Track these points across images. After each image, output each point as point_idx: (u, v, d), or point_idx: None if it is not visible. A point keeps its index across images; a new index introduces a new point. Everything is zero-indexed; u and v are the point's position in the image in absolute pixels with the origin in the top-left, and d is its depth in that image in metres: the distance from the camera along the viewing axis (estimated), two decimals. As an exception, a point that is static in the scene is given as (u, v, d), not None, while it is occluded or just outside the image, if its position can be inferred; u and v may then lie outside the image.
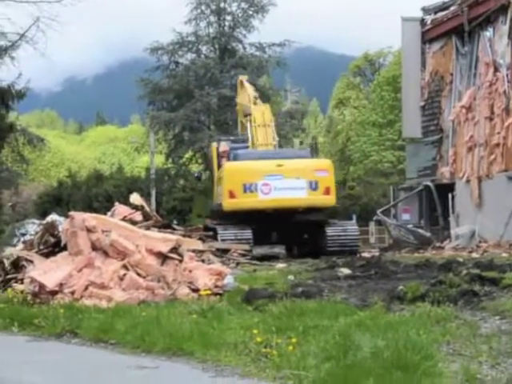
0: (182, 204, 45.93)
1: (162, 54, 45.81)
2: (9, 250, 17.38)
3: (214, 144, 23.12)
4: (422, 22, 28.44)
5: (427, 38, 28.21)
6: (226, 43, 46.23)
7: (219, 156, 22.68)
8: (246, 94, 25.45)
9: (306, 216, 21.08)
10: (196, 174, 33.84)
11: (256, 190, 19.76)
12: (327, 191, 20.44)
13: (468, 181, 24.88)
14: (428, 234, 24.78)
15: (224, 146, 22.21)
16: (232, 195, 19.80)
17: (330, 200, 20.81)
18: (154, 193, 44.35)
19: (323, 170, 20.69)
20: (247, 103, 24.65)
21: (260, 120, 23.16)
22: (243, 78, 27.33)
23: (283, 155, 21.83)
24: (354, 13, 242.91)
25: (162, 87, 45.12)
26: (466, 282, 10.02)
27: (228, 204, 19.84)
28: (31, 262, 13.85)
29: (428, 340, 6.66)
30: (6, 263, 15.24)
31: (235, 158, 20.95)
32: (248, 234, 19.95)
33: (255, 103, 24.25)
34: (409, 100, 28.87)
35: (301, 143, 48.46)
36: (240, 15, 46.51)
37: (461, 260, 14.55)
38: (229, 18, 46.59)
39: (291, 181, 19.89)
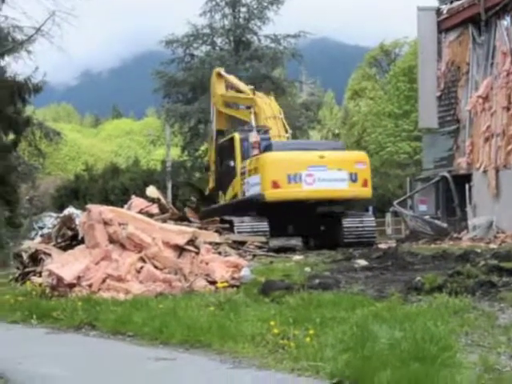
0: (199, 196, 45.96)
1: (176, 46, 45.77)
2: (27, 244, 17.52)
3: (236, 134, 22.36)
4: (438, 11, 28.20)
5: (443, 28, 27.98)
6: (240, 35, 46.11)
7: (242, 146, 21.99)
8: (223, 86, 25.64)
9: (327, 207, 21.18)
10: (206, 164, 33.19)
11: (300, 181, 19.65)
12: (365, 183, 20.52)
13: (485, 171, 24.71)
14: (445, 225, 24.65)
15: (255, 137, 21.74)
16: (276, 185, 19.58)
17: (367, 192, 20.87)
18: (170, 185, 44.43)
19: (362, 163, 20.73)
20: (245, 94, 24.30)
21: (269, 112, 22.87)
22: (220, 69, 27.05)
23: (321, 146, 21.91)
24: (369, 3, 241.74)
25: (177, 80, 45.08)
26: (484, 273, 9.96)
27: (271, 194, 19.55)
28: (49, 255, 13.97)
29: (446, 331, 6.64)
30: (25, 256, 15.40)
31: (274, 149, 20.61)
32: (264, 225, 19.94)
33: (254, 94, 24.01)
34: (425, 90, 28.68)
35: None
36: (255, 7, 46.35)
37: (478, 251, 14.45)
38: (244, 9, 46.45)
39: (333, 172, 19.90)
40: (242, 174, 21.27)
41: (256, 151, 21.12)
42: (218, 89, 25.85)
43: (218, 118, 25.97)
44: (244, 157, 21.59)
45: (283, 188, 19.56)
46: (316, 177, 19.71)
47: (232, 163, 22.28)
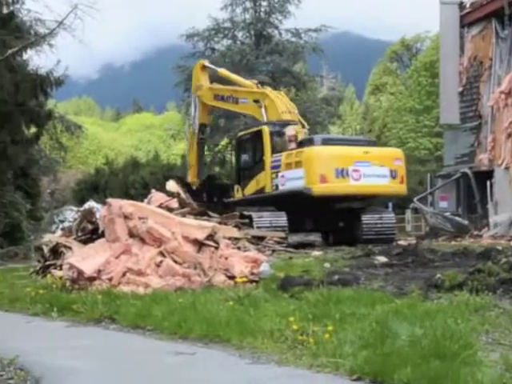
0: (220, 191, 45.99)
1: (197, 40, 45.82)
2: (48, 237, 17.64)
3: (265, 127, 22.02)
4: (461, 5, 27.96)
5: (466, 22, 27.74)
6: (261, 29, 46.04)
7: (272, 140, 21.88)
8: (207, 78, 25.66)
9: (346, 204, 21.23)
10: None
11: (347, 176, 19.73)
12: (402, 180, 20.81)
13: (507, 168, 24.51)
14: (466, 222, 24.49)
15: (293, 130, 21.64)
16: (324, 180, 19.62)
17: (404, 189, 21.23)
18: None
19: (399, 159, 21.01)
20: (250, 88, 24.10)
21: (284, 106, 22.66)
22: (204, 61, 26.87)
23: (361, 142, 22.23)
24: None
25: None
26: (505, 271, 9.86)
27: (319, 188, 19.56)
28: (70, 248, 14.06)
29: (466, 329, 6.59)
30: (45, 250, 15.52)
31: (316, 143, 20.50)
32: (283, 221, 19.95)
33: (258, 87, 23.89)
34: (447, 86, 28.46)
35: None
36: (276, 0, 46.25)
37: (499, 248, 14.32)
38: (265, 3, 46.37)
39: (377, 168, 20.09)
40: (274, 167, 20.96)
41: (293, 145, 20.98)
42: (204, 81, 25.68)
43: (202, 112, 25.83)
44: (274, 150, 21.30)
45: (331, 182, 19.61)
46: (362, 172, 19.86)
47: (257, 157, 21.92)
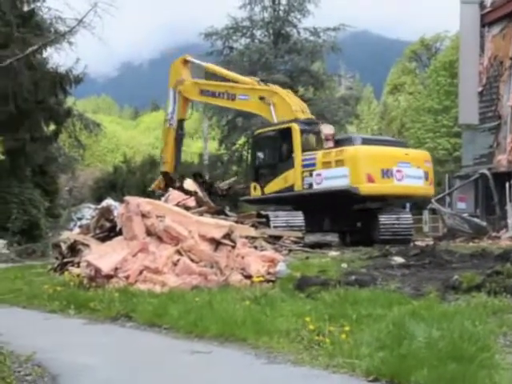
0: (236, 190, 46.03)
1: (216, 38, 45.89)
2: (66, 234, 17.74)
3: (295, 125, 21.81)
4: (482, 4, 27.78)
5: (486, 21, 27.55)
6: (280, 28, 46.01)
7: (300, 138, 21.24)
8: (189, 73, 25.08)
9: (363, 204, 21.17)
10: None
11: (392, 176, 19.92)
12: (431, 182, 21.26)
13: (526, 169, 24.35)
14: (484, 224, 24.32)
15: (330, 129, 21.63)
16: (371, 179, 19.73)
17: (432, 190, 21.75)
18: (207, 179, 44.53)
19: (429, 161, 21.41)
20: (250, 84, 23.63)
21: (296, 106, 22.50)
22: (187, 56, 25.73)
23: (396, 143, 22.52)
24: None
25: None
26: (524, 273, 9.80)
27: (366, 188, 19.65)
28: (87, 246, 14.14)
29: (484, 331, 6.55)
30: (63, 247, 15.61)
31: (356, 143, 20.58)
32: (300, 220, 19.92)
33: (260, 84, 23.45)
34: (466, 85, 28.29)
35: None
36: (295, -1, 46.21)
37: (518, 250, 14.22)
38: (284, 2, 46.34)
39: (415, 170, 20.43)
40: (307, 165, 20.76)
41: (330, 143, 20.95)
42: (185, 75, 25.01)
43: (182, 107, 25.28)
44: (305, 149, 21.11)
45: (377, 182, 19.76)
46: (404, 173, 20.12)
47: (283, 154, 21.54)
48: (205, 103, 26.62)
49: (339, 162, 20.00)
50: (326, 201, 20.25)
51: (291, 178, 20.96)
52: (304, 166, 20.75)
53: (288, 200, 21.12)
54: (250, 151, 24.19)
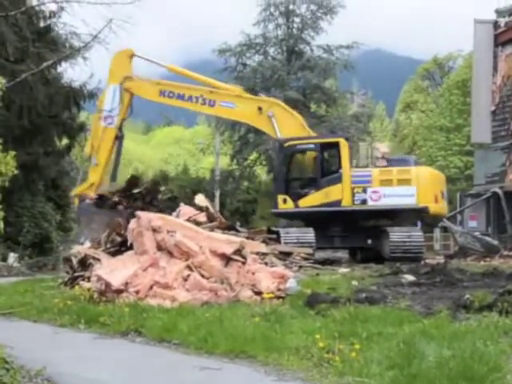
0: (246, 206, 46.14)
1: (229, 55, 46.04)
2: (76, 248, 17.75)
3: (343, 140, 21.87)
4: (495, 24, 27.83)
5: (500, 41, 27.58)
6: (293, 45, 46.17)
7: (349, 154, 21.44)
8: (132, 69, 23.08)
9: (374, 221, 21.27)
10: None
11: (443, 197, 21.63)
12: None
13: (539, 188, 24.25)
14: (495, 242, 24.19)
15: (386, 148, 22.28)
16: (436, 200, 21.00)
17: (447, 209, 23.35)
18: (218, 194, 44.64)
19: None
20: (231, 91, 22.72)
21: (300, 119, 22.54)
22: (132, 50, 23.22)
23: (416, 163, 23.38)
24: (424, 15, 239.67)
25: (228, 89, 45.37)
26: (536, 293, 9.73)
27: (434, 208, 20.87)
28: (98, 260, 14.15)
29: (496, 351, 6.51)
30: (74, 261, 15.63)
31: (412, 164, 21.71)
32: (311, 237, 19.89)
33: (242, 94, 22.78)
34: (479, 104, 28.28)
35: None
36: (309, 17, 46.37)
37: (530, 269, 14.16)
38: (297, 19, 46.51)
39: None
40: (359, 182, 20.96)
41: (384, 162, 21.43)
42: (131, 72, 23.02)
43: (126, 106, 22.93)
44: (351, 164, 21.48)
45: (440, 203, 21.26)
46: (445, 194, 22.05)
47: (327, 169, 21.62)
48: (164, 104, 23.96)
49: (404, 181, 20.71)
50: (380, 217, 21.26)
51: (336, 193, 20.92)
52: (355, 182, 20.89)
53: (333, 215, 21.26)
54: (278, 163, 22.71)
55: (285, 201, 21.41)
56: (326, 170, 21.44)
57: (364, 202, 20.66)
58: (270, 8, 46.25)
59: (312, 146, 21.89)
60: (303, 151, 22.17)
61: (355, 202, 20.67)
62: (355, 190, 20.74)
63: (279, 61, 45.53)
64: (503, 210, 25.71)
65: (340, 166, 20.98)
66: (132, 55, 22.94)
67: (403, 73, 76.86)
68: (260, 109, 22.08)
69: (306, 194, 21.26)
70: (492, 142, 27.71)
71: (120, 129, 23.06)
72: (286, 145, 22.08)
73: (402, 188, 20.59)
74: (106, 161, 23.25)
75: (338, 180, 20.91)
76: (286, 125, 21.99)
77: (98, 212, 20.79)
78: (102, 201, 22.09)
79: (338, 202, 20.79)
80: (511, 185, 26.17)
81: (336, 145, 21.26)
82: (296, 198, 21.31)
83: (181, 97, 22.65)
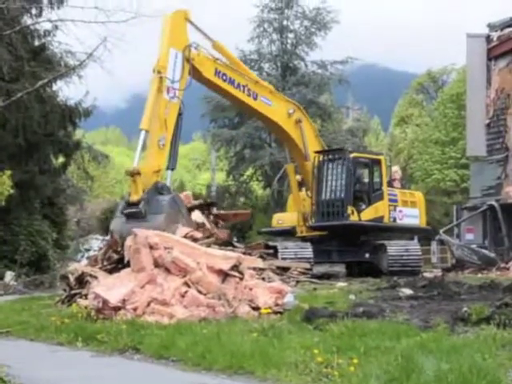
0: (242, 221, 46.01)
1: (224, 72, 46.19)
2: (73, 266, 17.71)
3: (383, 157, 22.61)
4: (488, 38, 28.01)
5: (493, 55, 27.76)
6: (288, 61, 46.42)
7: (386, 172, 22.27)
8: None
9: (371, 235, 21.60)
10: None
11: None
12: None
13: (535, 200, 24.31)
14: (492, 255, 24.24)
15: (397, 168, 24.00)
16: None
17: None
18: (214, 210, 44.55)
19: None
20: (266, 86, 21.71)
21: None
22: (187, 12, 19.48)
23: None
24: (418, 29, 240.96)
25: (223, 105, 45.46)
26: (533, 305, 9.74)
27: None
28: (95, 277, 14.12)
29: (494, 364, 6.50)
30: (71, 278, 15.59)
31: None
32: (308, 252, 19.91)
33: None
34: (473, 118, 28.41)
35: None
36: (302, 33, 46.68)
37: (527, 282, 14.16)
38: (291, 35, 46.81)
39: None
40: (392, 200, 21.78)
41: (398, 184, 22.19)
42: (186, 38, 19.33)
43: (185, 77, 19.09)
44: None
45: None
46: None
47: (374, 184, 21.86)
48: (214, 87, 20.72)
49: (413, 203, 22.31)
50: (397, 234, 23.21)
51: (381, 210, 21.44)
52: (390, 200, 21.69)
53: (385, 230, 22.40)
54: (346, 172, 21.34)
55: (353, 212, 21.02)
56: (376, 186, 21.84)
57: (394, 219, 21.44)
58: (263, 24, 46.53)
59: (366, 160, 22.17)
60: (363, 165, 22.26)
61: (390, 220, 21.33)
62: (390, 208, 21.48)
63: (274, 76, 45.75)
64: (500, 222, 25.75)
65: (382, 183, 21.40)
66: (186, 18, 19.43)
67: (398, 87, 77.14)
68: (290, 112, 21.41)
69: (365, 208, 21.38)
70: (487, 155, 27.82)
71: (180, 108, 19.14)
72: (351, 156, 21.80)
73: (412, 210, 22.12)
74: (170, 142, 18.88)
75: (382, 197, 21.46)
76: (308, 133, 21.80)
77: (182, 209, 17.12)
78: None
79: (381, 218, 21.37)
80: (507, 197, 26.22)
81: (378, 162, 21.57)
82: (360, 210, 21.30)
83: (232, 82, 20.25)
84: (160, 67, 18.20)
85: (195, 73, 19.29)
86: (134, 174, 16.62)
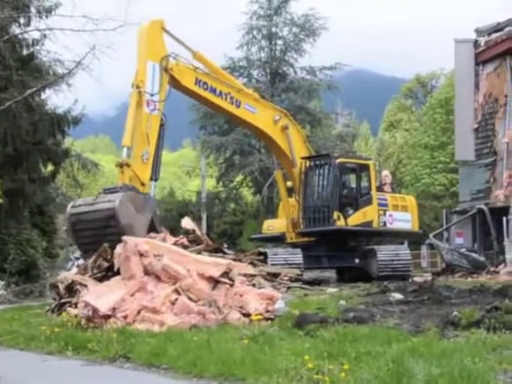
0: (233, 228, 46.10)
1: (213, 78, 46.24)
2: (63, 274, 17.64)
3: (372, 162, 22.87)
4: (476, 43, 28.18)
5: (481, 60, 27.92)
6: (277, 67, 46.54)
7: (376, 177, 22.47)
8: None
9: (360, 240, 21.74)
10: None
11: None
12: None
13: (523, 204, 24.41)
14: (482, 259, 24.32)
15: (387, 172, 24.43)
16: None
17: None
18: (204, 216, 44.63)
19: None
20: (250, 94, 21.80)
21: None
22: (163, 22, 19.29)
23: None
24: (406, 35, 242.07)
25: (212, 112, 45.46)
26: (523, 308, 9.77)
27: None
28: (85, 286, 14.08)
29: (484, 368, 6.51)
30: (61, 287, 15.54)
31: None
32: (298, 258, 19.93)
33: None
34: (462, 122, 28.54)
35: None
36: (291, 39, 46.83)
37: (517, 285, 14.20)
38: (280, 42, 46.94)
39: None
40: (381, 205, 21.90)
41: (389, 188, 22.28)
42: (163, 48, 19.20)
43: (164, 88, 18.95)
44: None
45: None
46: None
47: (362, 189, 22.04)
48: (195, 96, 20.87)
49: (404, 208, 22.42)
50: (394, 238, 23.68)
51: (370, 214, 21.57)
52: (379, 204, 21.81)
53: (373, 234, 22.43)
54: (333, 179, 21.40)
55: (339, 218, 21.13)
56: (363, 191, 22.02)
57: (385, 224, 21.52)
58: (252, 31, 46.63)
59: (353, 165, 22.34)
60: (349, 170, 22.46)
61: (380, 224, 21.40)
62: (379, 212, 21.49)
63: (263, 83, 45.87)
64: (489, 226, 25.84)
65: (370, 188, 21.52)
66: (163, 28, 19.30)
67: (387, 92, 77.43)
68: (275, 119, 21.44)
69: (352, 213, 21.50)
70: (476, 159, 27.94)
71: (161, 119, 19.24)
72: (338, 161, 21.92)
73: (403, 214, 22.20)
74: (154, 155, 18.98)
75: (370, 202, 21.41)
76: (295, 140, 21.82)
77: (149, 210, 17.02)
78: None
79: (370, 223, 21.52)
80: (496, 201, 26.33)
81: (366, 167, 21.70)
82: (345, 215, 21.37)
83: (213, 90, 20.26)
84: (138, 81, 18.26)
85: (175, 83, 19.28)
86: (122, 165, 17.25)
